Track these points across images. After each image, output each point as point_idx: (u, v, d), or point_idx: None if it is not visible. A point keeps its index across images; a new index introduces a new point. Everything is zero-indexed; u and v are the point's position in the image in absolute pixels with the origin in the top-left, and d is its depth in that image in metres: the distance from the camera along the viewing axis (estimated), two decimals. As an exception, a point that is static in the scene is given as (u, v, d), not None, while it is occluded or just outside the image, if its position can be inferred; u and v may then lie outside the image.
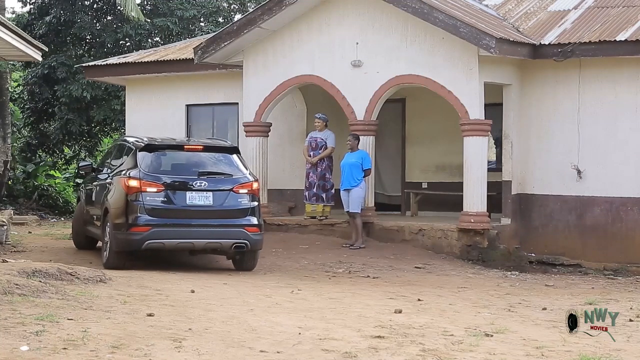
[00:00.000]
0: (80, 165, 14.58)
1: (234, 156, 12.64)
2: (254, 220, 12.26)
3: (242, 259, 12.56)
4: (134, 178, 11.87)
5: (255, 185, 12.38)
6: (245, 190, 12.20)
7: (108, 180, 12.73)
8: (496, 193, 15.48)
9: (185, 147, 12.78)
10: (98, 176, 13.57)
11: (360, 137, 15.43)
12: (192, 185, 11.99)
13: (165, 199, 11.87)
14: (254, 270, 12.46)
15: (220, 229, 12.07)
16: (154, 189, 11.82)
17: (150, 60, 18.86)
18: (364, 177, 15.19)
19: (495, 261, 14.72)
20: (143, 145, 12.36)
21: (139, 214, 11.75)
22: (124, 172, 12.27)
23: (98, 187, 13.27)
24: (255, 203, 12.37)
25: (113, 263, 11.93)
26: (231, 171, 12.41)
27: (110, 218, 12.06)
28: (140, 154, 12.20)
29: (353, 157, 15.21)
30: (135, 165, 12.12)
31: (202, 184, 12.02)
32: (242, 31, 16.20)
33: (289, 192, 17.53)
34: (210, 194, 12.03)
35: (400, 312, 9.03)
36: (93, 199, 13.51)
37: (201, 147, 12.71)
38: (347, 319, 8.48)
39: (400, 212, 17.48)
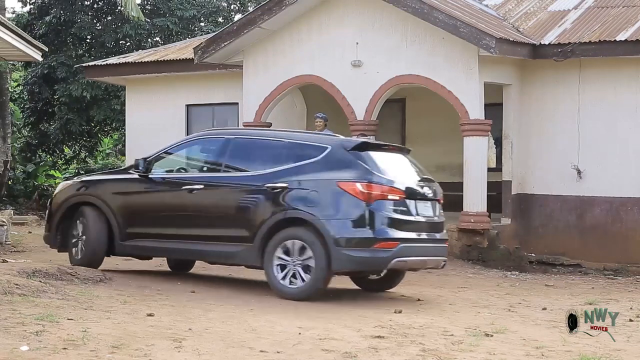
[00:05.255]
0: (142, 169, 10.73)
1: (409, 157, 10.83)
2: (446, 234, 10.87)
3: (389, 278, 10.77)
4: (375, 183, 9.67)
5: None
6: (442, 200, 10.66)
7: (282, 185, 9.87)
8: (496, 193, 15.48)
9: (391, 147, 10.83)
10: (182, 181, 10.63)
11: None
12: (422, 193, 10.22)
13: (405, 209, 9.91)
14: (255, 270, 12.35)
15: (439, 245, 10.48)
16: (396, 197, 9.79)
17: (150, 60, 18.88)
18: None
19: (495, 261, 14.72)
20: (357, 143, 10.18)
21: (386, 227, 9.67)
22: (326, 174, 9.83)
23: (235, 197, 10.31)
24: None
25: (316, 289, 9.73)
26: (430, 177, 10.69)
27: (328, 232, 9.58)
28: (362, 154, 9.93)
29: None
30: (355, 168, 9.82)
31: (429, 192, 10.31)
32: (242, 31, 16.19)
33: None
34: (429, 203, 10.31)
35: (400, 312, 9.04)
36: (215, 211, 10.40)
37: (398, 147, 11.03)
38: (347, 319, 8.48)
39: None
